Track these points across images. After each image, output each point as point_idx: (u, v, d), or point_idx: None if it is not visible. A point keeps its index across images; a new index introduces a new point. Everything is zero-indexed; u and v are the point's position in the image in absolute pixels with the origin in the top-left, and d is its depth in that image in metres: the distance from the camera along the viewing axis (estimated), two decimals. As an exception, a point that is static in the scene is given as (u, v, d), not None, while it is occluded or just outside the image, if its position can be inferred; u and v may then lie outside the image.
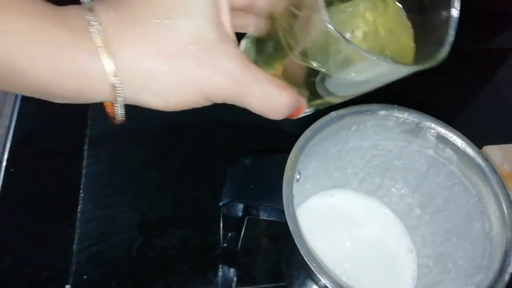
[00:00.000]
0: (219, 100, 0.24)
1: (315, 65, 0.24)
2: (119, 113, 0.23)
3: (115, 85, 0.21)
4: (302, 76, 0.26)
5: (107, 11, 0.21)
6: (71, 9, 0.21)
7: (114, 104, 0.23)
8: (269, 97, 0.24)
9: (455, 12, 0.24)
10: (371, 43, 0.26)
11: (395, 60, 0.23)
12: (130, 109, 0.51)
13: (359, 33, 0.26)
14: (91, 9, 0.21)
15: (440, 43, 0.25)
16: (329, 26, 0.21)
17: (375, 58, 0.22)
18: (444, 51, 0.24)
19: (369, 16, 0.27)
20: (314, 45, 0.24)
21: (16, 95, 0.47)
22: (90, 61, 0.20)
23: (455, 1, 0.24)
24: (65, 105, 0.50)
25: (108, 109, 0.24)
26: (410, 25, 0.27)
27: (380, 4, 0.27)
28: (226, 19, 0.24)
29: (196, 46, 0.22)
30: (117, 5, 0.22)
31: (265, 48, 0.27)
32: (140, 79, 0.22)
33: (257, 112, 0.25)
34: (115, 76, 0.21)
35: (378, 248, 0.38)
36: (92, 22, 0.20)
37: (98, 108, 0.50)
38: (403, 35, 0.27)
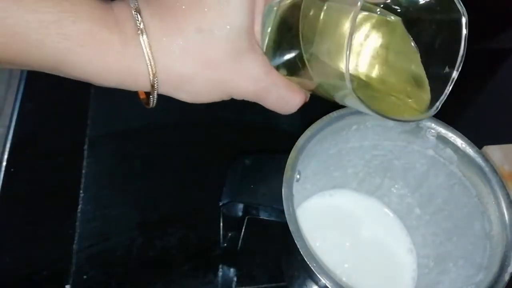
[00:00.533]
0: (239, 98, 0.27)
1: (324, 93, 0.26)
2: (152, 101, 0.26)
3: (154, 84, 0.24)
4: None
5: (153, 17, 0.23)
6: (121, 10, 0.24)
7: (151, 95, 0.25)
8: (284, 99, 0.28)
9: (455, 73, 0.25)
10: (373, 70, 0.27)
11: (390, 115, 0.25)
12: (130, 109, 0.51)
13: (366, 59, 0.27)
14: (138, 10, 0.23)
15: (434, 95, 0.26)
16: (354, 94, 0.23)
17: (377, 115, 0.24)
18: (435, 110, 0.26)
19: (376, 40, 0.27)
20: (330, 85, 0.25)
21: (16, 95, 0.47)
22: (136, 62, 0.23)
23: (459, 64, 0.25)
24: (65, 105, 0.50)
25: (141, 96, 0.27)
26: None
27: (388, 28, 0.27)
28: (257, 28, 0.26)
29: (230, 55, 0.25)
30: (162, 11, 0.24)
31: (286, 50, 0.27)
32: (177, 81, 0.25)
33: (270, 109, 0.28)
34: (155, 77, 0.24)
35: (378, 248, 0.38)
36: (140, 28, 0.23)
37: (98, 108, 0.50)
38: (413, 63, 0.27)
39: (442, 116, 0.34)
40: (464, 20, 0.24)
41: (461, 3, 0.24)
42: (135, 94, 0.52)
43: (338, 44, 0.23)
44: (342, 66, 0.23)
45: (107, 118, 0.49)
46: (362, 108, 0.25)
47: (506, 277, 0.28)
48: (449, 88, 0.26)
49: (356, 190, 0.40)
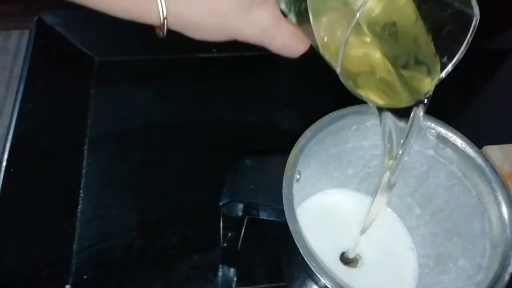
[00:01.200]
0: (244, 41, 0.28)
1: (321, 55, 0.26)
2: (162, 34, 0.27)
3: (164, 24, 0.26)
4: None
5: None
6: None
7: (161, 30, 0.27)
8: (287, 47, 0.29)
9: (450, 67, 0.26)
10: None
11: (375, 99, 0.26)
12: (130, 109, 0.51)
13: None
14: None
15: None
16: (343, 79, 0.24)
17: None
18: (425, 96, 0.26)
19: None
20: None
21: (16, 95, 0.47)
22: (149, 6, 0.25)
23: (456, 60, 0.26)
24: (65, 105, 0.50)
25: (156, 29, 0.28)
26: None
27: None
28: None
29: (240, 7, 0.26)
30: None
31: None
32: (185, 25, 0.26)
33: (273, 52, 0.29)
34: (165, 19, 0.25)
35: (379, 248, 0.38)
36: None
37: (98, 108, 0.50)
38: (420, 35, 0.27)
39: (442, 116, 0.34)
40: (474, 20, 0.24)
41: (477, 4, 0.24)
42: (135, 94, 0.52)
43: (339, 19, 0.23)
44: (339, 40, 0.23)
45: (107, 118, 0.49)
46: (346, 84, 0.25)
47: (506, 277, 0.28)
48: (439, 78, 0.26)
49: (356, 190, 0.40)
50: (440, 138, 0.33)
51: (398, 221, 0.40)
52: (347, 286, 0.27)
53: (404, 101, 0.27)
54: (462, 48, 0.25)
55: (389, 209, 0.40)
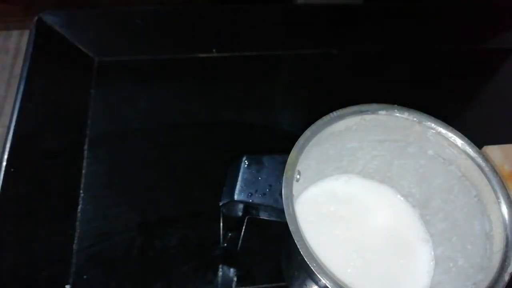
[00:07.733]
0: None
1: None
2: None
3: None
4: None
5: None
6: None
7: None
8: None
9: None
10: None
11: None
12: (130, 109, 0.51)
13: None
14: None
15: None
16: None
17: None
18: None
19: None
20: None
21: (16, 95, 0.47)
22: None
23: None
24: (65, 105, 0.50)
25: None
26: None
27: None
28: None
29: None
30: None
31: None
32: None
33: None
34: None
35: (389, 238, 0.36)
36: None
37: (98, 108, 0.50)
38: None
39: (442, 116, 0.34)
40: None
41: None
42: (135, 94, 0.52)
43: None
44: None
45: (107, 118, 0.49)
46: None
47: (506, 277, 0.28)
48: None
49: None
50: (440, 138, 0.33)
51: (411, 210, 0.38)
52: (347, 287, 0.27)
53: None
54: None
55: (401, 197, 0.39)
